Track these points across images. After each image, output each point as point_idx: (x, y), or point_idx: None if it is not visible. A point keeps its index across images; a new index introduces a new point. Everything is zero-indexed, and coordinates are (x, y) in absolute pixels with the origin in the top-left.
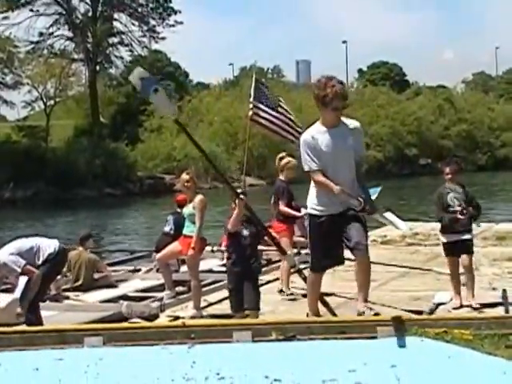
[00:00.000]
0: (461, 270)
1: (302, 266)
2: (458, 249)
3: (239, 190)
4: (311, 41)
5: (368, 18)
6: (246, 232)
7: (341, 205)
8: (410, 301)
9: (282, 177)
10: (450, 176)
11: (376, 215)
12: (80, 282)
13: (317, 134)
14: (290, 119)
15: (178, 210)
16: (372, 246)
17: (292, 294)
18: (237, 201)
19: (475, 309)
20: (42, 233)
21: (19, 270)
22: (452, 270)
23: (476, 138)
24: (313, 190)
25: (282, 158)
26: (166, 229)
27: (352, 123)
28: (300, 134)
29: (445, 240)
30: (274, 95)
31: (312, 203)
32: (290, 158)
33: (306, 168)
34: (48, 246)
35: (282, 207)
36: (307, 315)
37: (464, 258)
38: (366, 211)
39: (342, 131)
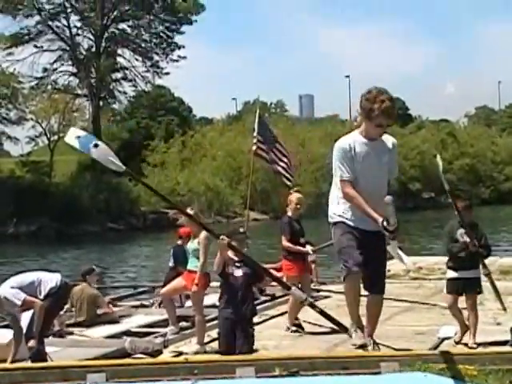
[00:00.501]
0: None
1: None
2: (463, 286)
3: (241, 229)
4: (314, 75)
5: (370, 52)
6: (239, 272)
7: (370, 223)
8: (414, 335)
9: (289, 212)
10: (463, 212)
11: (394, 242)
12: (83, 318)
13: (354, 143)
14: (287, 159)
15: (179, 242)
16: None
17: (297, 330)
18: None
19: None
20: (45, 268)
21: (19, 303)
22: (453, 308)
23: (479, 172)
24: (341, 198)
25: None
26: (170, 263)
27: (390, 140)
28: (291, 178)
29: (451, 275)
30: (272, 135)
31: (341, 211)
32: (296, 194)
33: (338, 176)
34: (50, 280)
35: (284, 242)
36: (348, 331)
37: (469, 296)
38: (390, 233)
39: (380, 146)
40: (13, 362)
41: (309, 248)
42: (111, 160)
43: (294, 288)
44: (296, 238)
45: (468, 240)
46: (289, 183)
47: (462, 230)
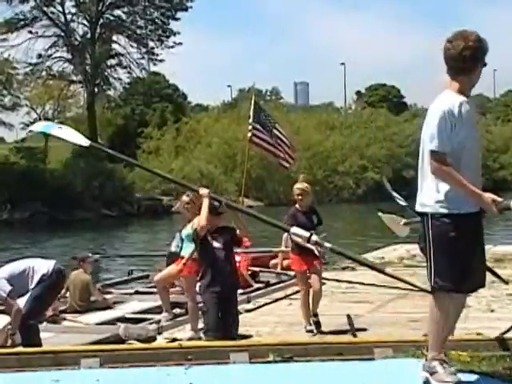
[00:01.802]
0: None
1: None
2: None
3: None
4: (309, 63)
5: (366, 40)
6: (218, 244)
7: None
8: (408, 322)
9: (297, 204)
10: None
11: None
12: (76, 304)
13: (460, 106)
14: (285, 143)
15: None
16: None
17: (312, 331)
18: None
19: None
20: (40, 254)
21: (5, 296)
22: None
23: None
24: (440, 182)
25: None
26: (173, 248)
27: None
28: (290, 160)
29: None
30: (271, 119)
31: (442, 197)
32: (297, 185)
33: (434, 147)
34: (42, 267)
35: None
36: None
37: None
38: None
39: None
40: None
41: (311, 246)
42: (76, 136)
43: (293, 228)
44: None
45: None
46: (287, 165)
47: None
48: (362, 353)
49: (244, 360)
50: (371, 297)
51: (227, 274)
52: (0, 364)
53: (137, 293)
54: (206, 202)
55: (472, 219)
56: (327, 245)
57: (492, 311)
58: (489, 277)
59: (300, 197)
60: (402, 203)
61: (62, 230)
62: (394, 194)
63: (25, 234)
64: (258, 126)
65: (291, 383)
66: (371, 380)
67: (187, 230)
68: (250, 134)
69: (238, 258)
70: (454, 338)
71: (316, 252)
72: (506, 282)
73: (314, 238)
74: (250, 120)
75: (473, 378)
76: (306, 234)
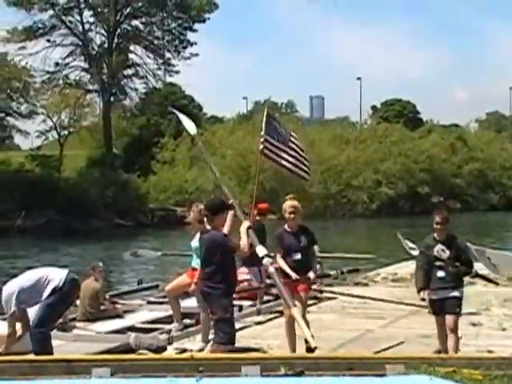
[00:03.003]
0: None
1: (311, 302)
2: (442, 307)
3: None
4: (325, 77)
5: (382, 55)
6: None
7: None
8: (419, 338)
9: (286, 224)
10: (439, 226)
11: None
12: (87, 312)
13: None
14: (300, 155)
15: (258, 218)
16: (382, 284)
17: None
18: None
19: None
20: (52, 262)
21: (7, 314)
22: (439, 331)
23: (488, 177)
24: None
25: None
26: None
27: None
28: (307, 171)
29: (430, 297)
30: (287, 130)
31: None
32: (288, 202)
33: None
34: (55, 277)
35: (277, 258)
36: None
37: (449, 318)
38: None
39: None
40: (12, 354)
41: (311, 274)
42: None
43: (257, 247)
44: (289, 254)
45: (447, 257)
46: (306, 176)
47: (439, 246)
48: (373, 368)
49: (255, 373)
50: (384, 312)
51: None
52: (13, 371)
53: (148, 303)
54: (244, 232)
55: None
56: (271, 270)
57: (504, 330)
58: (502, 296)
59: (292, 215)
60: (414, 253)
61: (75, 239)
62: (409, 245)
63: (38, 241)
64: (270, 139)
65: None
66: None
67: (195, 243)
68: (261, 147)
69: (246, 270)
70: (466, 355)
71: (310, 276)
72: (497, 283)
73: (265, 261)
74: (262, 132)
75: None
76: (262, 254)
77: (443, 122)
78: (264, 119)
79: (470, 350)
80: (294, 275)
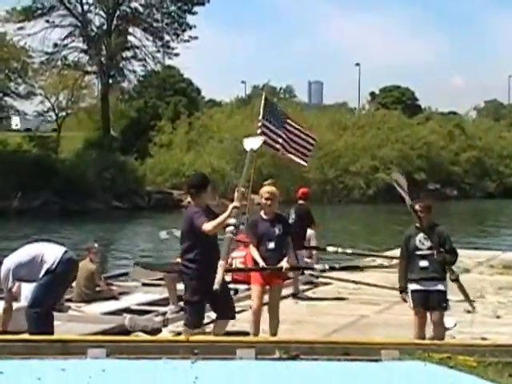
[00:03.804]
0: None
1: (306, 287)
2: (427, 301)
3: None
4: (324, 62)
5: (382, 41)
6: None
7: None
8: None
9: (261, 211)
10: (422, 214)
11: None
12: (83, 293)
13: None
14: (299, 141)
15: (300, 202)
16: (377, 270)
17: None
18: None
19: None
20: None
21: (4, 290)
22: (419, 325)
23: (486, 165)
24: None
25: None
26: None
27: None
28: (305, 158)
29: (412, 288)
30: (281, 114)
31: None
32: (266, 188)
33: None
34: (51, 255)
35: (250, 247)
36: None
37: (435, 313)
38: None
39: None
40: (5, 332)
41: (284, 263)
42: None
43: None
44: (262, 242)
45: (428, 252)
46: (303, 163)
47: (421, 235)
48: (368, 353)
49: (250, 356)
50: (378, 298)
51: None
52: (7, 350)
53: (143, 285)
54: (227, 213)
55: None
56: (226, 236)
57: (498, 317)
58: (497, 283)
59: (269, 202)
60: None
61: (72, 220)
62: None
63: (34, 222)
64: (268, 124)
65: (297, 381)
66: (377, 381)
67: None
68: (259, 131)
69: (243, 253)
70: (461, 342)
71: (282, 265)
72: (474, 308)
73: (228, 229)
74: (260, 117)
75: (478, 383)
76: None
77: (442, 109)
78: (262, 103)
79: (465, 337)
80: (261, 263)
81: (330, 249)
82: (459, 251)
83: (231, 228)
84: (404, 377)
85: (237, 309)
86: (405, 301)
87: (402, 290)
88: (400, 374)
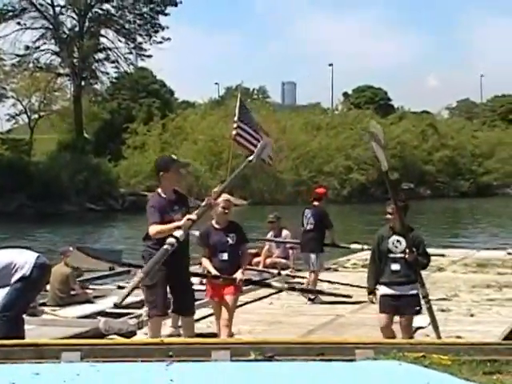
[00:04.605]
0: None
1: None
2: (397, 305)
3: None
4: (297, 63)
5: (354, 42)
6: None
7: None
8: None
9: (213, 220)
10: (390, 216)
11: None
12: (57, 297)
13: None
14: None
15: (316, 203)
16: (352, 270)
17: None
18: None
19: None
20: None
21: None
22: (385, 326)
23: (459, 165)
24: None
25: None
26: (308, 226)
27: None
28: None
29: (382, 292)
30: (253, 120)
31: None
32: (225, 196)
33: None
34: (24, 260)
35: (202, 258)
36: None
37: (405, 318)
38: None
39: None
40: None
41: (238, 274)
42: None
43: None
44: (215, 253)
45: (400, 255)
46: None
47: (394, 238)
48: (343, 353)
49: (225, 358)
50: (354, 298)
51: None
52: None
53: (118, 287)
54: (178, 223)
55: None
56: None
57: (472, 315)
58: (471, 282)
59: (226, 210)
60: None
61: (47, 223)
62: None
63: (9, 226)
64: (242, 125)
65: (272, 382)
66: (352, 381)
67: None
68: (234, 132)
69: None
70: (436, 341)
71: (237, 276)
72: (440, 337)
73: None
74: (235, 118)
75: (453, 381)
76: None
77: (414, 109)
78: (237, 105)
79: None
80: (214, 272)
81: (354, 246)
82: (434, 250)
83: (172, 240)
84: (379, 376)
85: (211, 311)
86: (372, 302)
87: (371, 291)
88: (375, 374)
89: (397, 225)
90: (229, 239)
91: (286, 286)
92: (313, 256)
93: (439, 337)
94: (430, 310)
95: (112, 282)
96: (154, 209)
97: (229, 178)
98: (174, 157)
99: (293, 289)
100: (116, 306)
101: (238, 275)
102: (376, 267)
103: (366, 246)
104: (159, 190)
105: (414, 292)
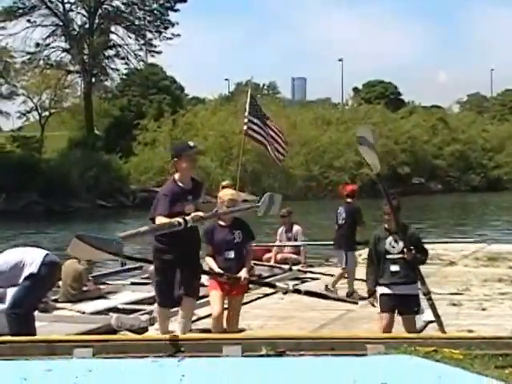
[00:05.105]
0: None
1: (294, 283)
2: (397, 305)
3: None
4: (307, 58)
5: (365, 37)
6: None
7: None
8: (399, 318)
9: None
10: (387, 217)
11: None
12: (69, 293)
13: None
14: (278, 139)
15: (349, 200)
16: (363, 265)
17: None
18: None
19: None
20: (34, 244)
21: None
22: (387, 326)
23: (469, 159)
24: None
25: (224, 187)
26: (340, 221)
27: None
28: (281, 157)
29: (382, 291)
30: (265, 114)
31: None
32: (226, 191)
33: None
34: (33, 258)
35: (206, 256)
36: None
37: (406, 318)
38: None
39: None
40: None
41: (243, 273)
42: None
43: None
44: (220, 251)
45: (398, 256)
46: (278, 162)
47: (391, 238)
48: (354, 348)
49: (237, 353)
50: (364, 293)
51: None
52: None
53: (131, 284)
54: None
55: None
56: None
57: (484, 309)
58: (482, 276)
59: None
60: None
61: (57, 221)
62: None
63: (19, 224)
64: (254, 119)
65: (284, 377)
66: (363, 376)
67: None
68: (245, 127)
69: None
70: (447, 335)
71: (241, 275)
72: (444, 332)
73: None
74: (246, 113)
75: (465, 376)
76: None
77: (425, 103)
78: (248, 100)
79: (451, 329)
80: (218, 271)
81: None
82: (445, 245)
83: (180, 220)
84: (390, 371)
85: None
86: (373, 305)
87: (371, 293)
88: (386, 369)
89: (392, 225)
90: (235, 237)
91: (291, 287)
92: (342, 253)
93: (444, 332)
94: (432, 306)
95: (124, 278)
96: (164, 198)
97: (234, 209)
98: (190, 143)
99: (298, 291)
100: (120, 238)
101: (243, 274)
102: (374, 268)
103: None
104: (176, 177)
105: (414, 292)
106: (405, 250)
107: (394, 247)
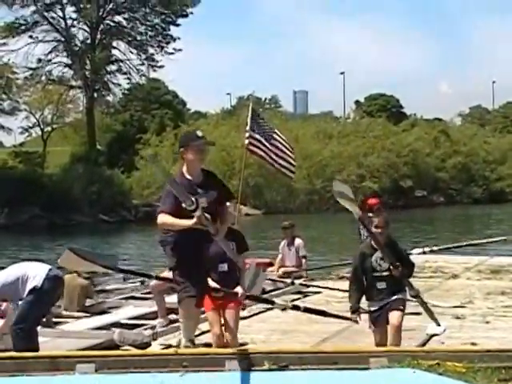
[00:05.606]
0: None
1: (296, 297)
2: (386, 312)
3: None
4: (309, 72)
5: (366, 50)
6: None
7: None
8: (402, 332)
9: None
10: (380, 230)
11: None
12: (71, 309)
13: None
14: (284, 152)
15: (370, 214)
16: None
17: None
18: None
19: None
20: (36, 258)
21: None
22: (379, 343)
23: (471, 171)
24: None
25: None
26: (363, 237)
27: None
28: (292, 169)
29: (373, 308)
30: (269, 126)
31: None
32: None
33: None
34: (36, 273)
35: None
36: None
37: (393, 314)
38: None
39: None
40: None
41: (240, 289)
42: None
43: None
44: (214, 264)
45: (385, 273)
46: (291, 175)
47: (377, 255)
48: (357, 362)
49: (239, 368)
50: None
51: None
52: None
53: (132, 298)
54: (188, 222)
55: None
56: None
57: (487, 322)
58: (485, 289)
59: None
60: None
61: (60, 235)
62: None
63: (22, 238)
64: (255, 134)
65: None
66: None
67: None
68: (246, 142)
69: None
70: (450, 348)
71: (238, 292)
72: (439, 325)
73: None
74: (247, 127)
75: None
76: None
77: (426, 116)
78: (249, 114)
79: (454, 342)
80: (213, 285)
81: (416, 251)
82: (447, 257)
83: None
84: None
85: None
86: (356, 322)
87: (355, 310)
88: (389, 382)
89: (380, 240)
90: (231, 245)
91: (289, 304)
92: None
93: (438, 324)
94: (422, 304)
95: (126, 293)
96: (169, 194)
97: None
98: (198, 133)
99: (297, 307)
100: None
101: (239, 290)
102: (358, 285)
103: (426, 249)
104: (183, 170)
105: (400, 296)
106: (391, 267)
107: (380, 265)
